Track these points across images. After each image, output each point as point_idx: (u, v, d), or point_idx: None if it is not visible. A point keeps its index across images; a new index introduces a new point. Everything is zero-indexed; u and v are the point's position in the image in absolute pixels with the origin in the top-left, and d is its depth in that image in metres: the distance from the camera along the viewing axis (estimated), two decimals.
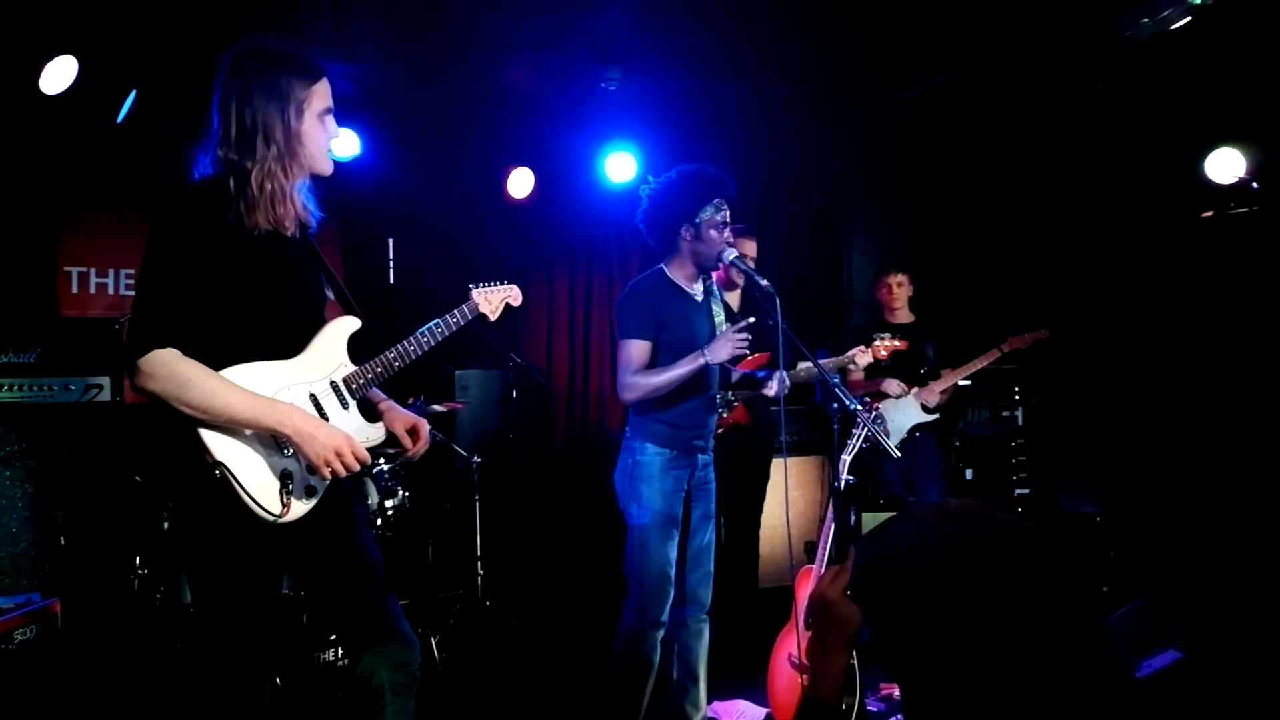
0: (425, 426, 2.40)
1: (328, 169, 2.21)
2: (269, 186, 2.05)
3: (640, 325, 3.09)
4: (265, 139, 2.06)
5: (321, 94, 2.15)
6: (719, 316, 3.32)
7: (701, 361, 2.99)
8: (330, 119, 2.19)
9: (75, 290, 5.04)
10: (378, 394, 2.41)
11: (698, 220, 3.10)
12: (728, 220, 3.12)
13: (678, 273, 3.20)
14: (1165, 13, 4.19)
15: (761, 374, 3.49)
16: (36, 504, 3.90)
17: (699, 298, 3.23)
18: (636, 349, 3.07)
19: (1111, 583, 5.00)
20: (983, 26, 4.51)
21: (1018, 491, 5.83)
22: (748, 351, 3.04)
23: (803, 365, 3.71)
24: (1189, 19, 4.12)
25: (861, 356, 3.94)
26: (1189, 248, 5.16)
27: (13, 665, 3.17)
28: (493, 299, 2.66)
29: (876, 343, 3.95)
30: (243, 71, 2.08)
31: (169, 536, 3.80)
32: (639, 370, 3.06)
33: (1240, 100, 4.73)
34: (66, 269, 5.01)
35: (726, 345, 2.97)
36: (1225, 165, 4.79)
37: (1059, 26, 4.48)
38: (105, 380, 4.23)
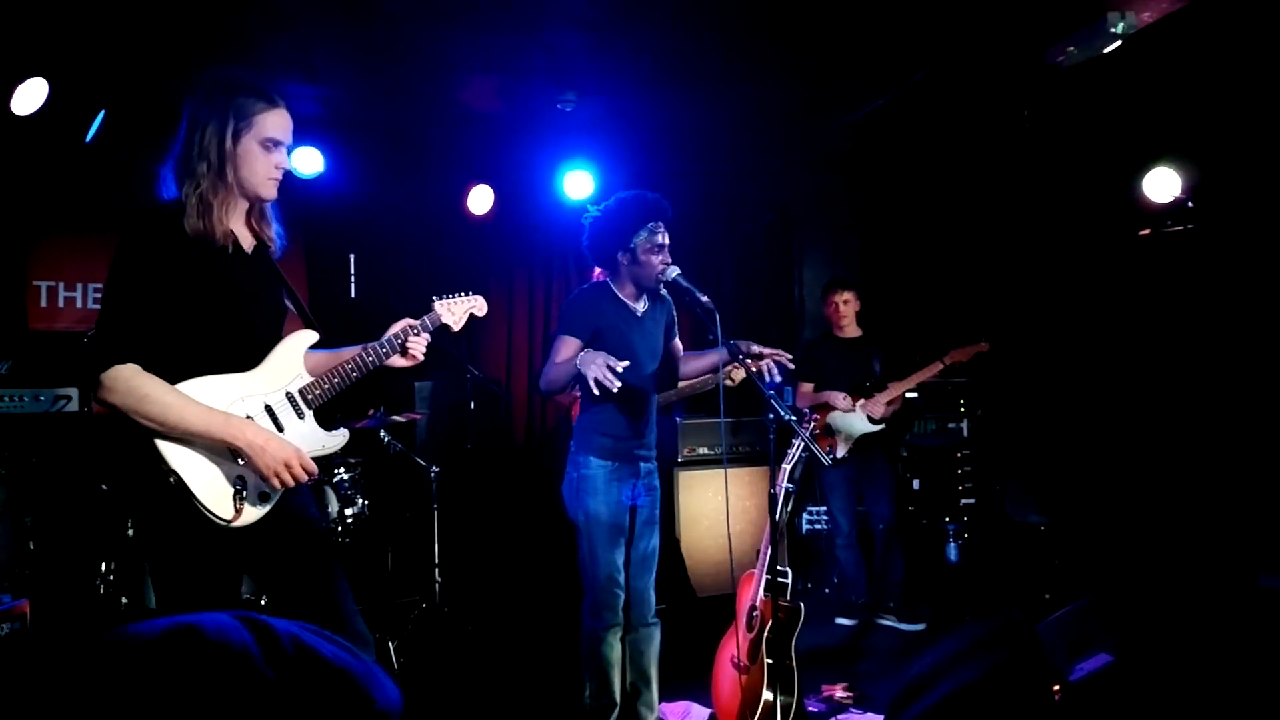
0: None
1: (266, 194, 2.28)
2: (197, 203, 2.17)
3: (574, 325, 3.21)
4: (204, 159, 2.17)
5: (272, 124, 2.24)
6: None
7: (573, 368, 2.99)
8: (279, 151, 2.27)
9: (44, 304, 5.14)
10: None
11: (633, 245, 3.23)
12: (664, 243, 3.24)
13: (620, 289, 3.34)
14: (1092, 42, 4.40)
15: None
16: (7, 509, 3.97)
17: (639, 312, 3.35)
18: (564, 344, 3.20)
19: (1054, 590, 5.18)
20: (922, 54, 4.71)
21: (964, 501, 6.02)
22: (611, 380, 2.85)
23: (681, 383, 3.75)
24: (1118, 44, 4.33)
25: (735, 373, 3.94)
26: (1127, 264, 5.38)
27: None
28: (455, 310, 2.69)
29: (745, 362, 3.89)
30: (201, 95, 2.21)
31: (133, 543, 3.89)
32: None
33: (1177, 120, 4.94)
34: (36, 283, 5.12)
35: (594, 366, 2.88)
36: (1162, 185, 5.03)
37: (994, 55, 4.68)
38: (73, 392, 4.33)
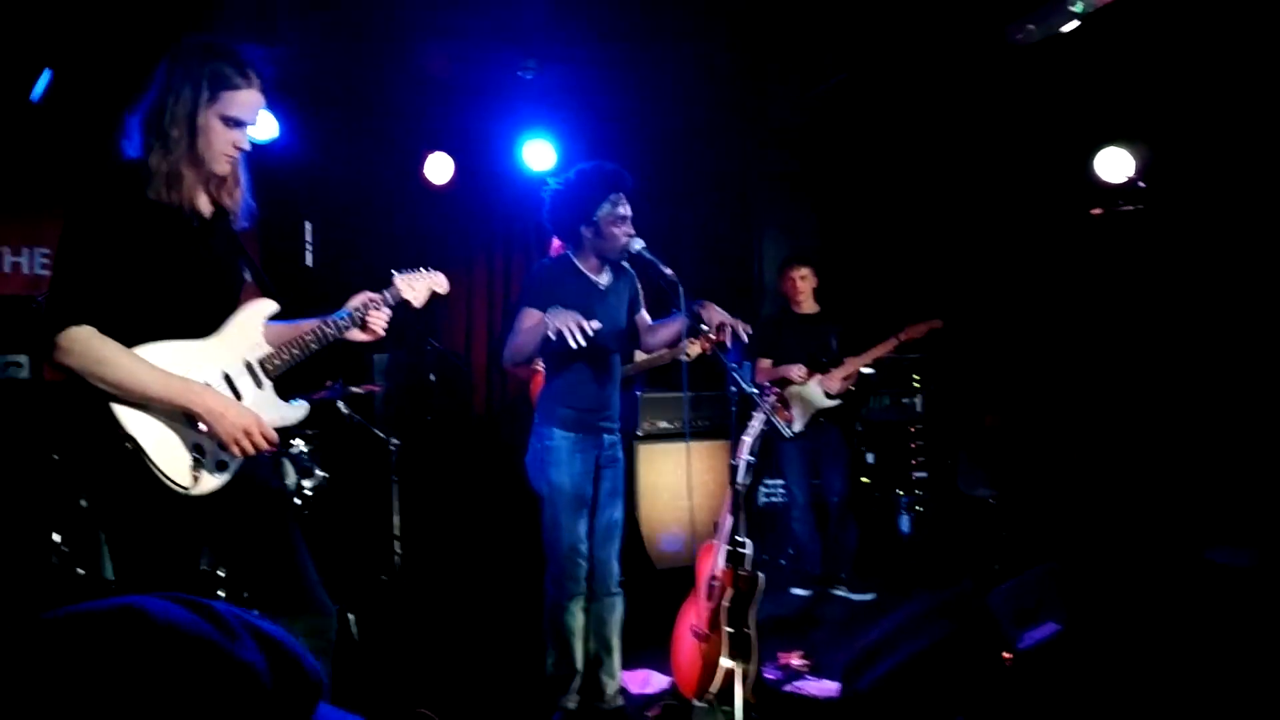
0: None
1: (218, 169, 2.22)
2: (167, 173, 2.11)
3: (536, 297, 3.18)
4: (175, 127, 2.11)
5: (239, 102, 2.17)
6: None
7: (544, 328, 2.96)
8: (239, 130, 2.20)
9: None
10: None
11: (595, 218, 3.20)
12: (627, 214, 3.22)
13: (583, 262, 3.31)
14: (1051, 19, 4.45)
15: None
16: None
17: (602, 285, 3.34)
18: (526, 316, 3.17)
19: (1003, 561, 5.31)
20: (882, 30, 4.73)
21: (916, 474, 6.14)
22: (577, 335, 2.86)
23: (640, 357, 3.75)
24: (1076, 24, 4.38)
25: (692, 347, 3.95)
26: (1079, 243, 5.49)
27: None
28: (417, 285, 2.63)
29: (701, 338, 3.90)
30: (178, 59, 2.15)
31: (87, 513, 3.81)
32: None
33: (1131, 100, 5.02)
34: None
35: (558, 320, 2.87)
36: (1114, 164, 5.12)
37: (952, 33, 4.72)
38: (24, 359, 4.22)
